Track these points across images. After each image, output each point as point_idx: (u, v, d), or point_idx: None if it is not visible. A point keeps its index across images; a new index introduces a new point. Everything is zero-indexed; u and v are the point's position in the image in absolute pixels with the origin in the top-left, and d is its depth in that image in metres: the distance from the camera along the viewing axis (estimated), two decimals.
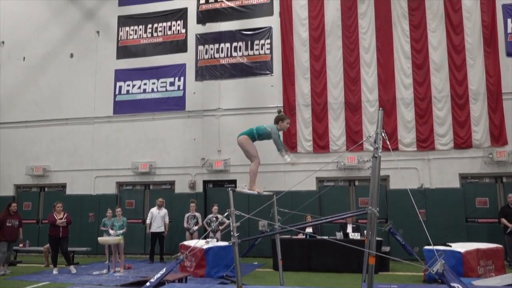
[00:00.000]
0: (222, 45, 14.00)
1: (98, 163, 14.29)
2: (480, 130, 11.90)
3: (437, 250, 3.98)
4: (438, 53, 12.40)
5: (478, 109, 11.97)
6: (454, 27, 12.35)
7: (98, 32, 15.04)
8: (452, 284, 3.74)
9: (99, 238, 10.19)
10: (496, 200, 11.63)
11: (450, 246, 8.67)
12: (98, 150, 14.37)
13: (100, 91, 14.67)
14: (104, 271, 9.84)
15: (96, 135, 14.49)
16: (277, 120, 6.30)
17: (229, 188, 5.19)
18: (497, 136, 11.75)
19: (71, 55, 15.10)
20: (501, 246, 9.21)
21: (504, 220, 10.34)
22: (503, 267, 8.81)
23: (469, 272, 8.01)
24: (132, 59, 14.69)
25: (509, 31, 12.10)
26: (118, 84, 14.66)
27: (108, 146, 14.33)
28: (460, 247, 8.50)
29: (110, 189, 14.14)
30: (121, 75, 14.66)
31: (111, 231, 10.16)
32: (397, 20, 12.74)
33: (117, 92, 14.63)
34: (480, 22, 12.21)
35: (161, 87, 14.35)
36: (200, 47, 14.16)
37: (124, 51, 14.82)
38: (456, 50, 12.29)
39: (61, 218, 10.07)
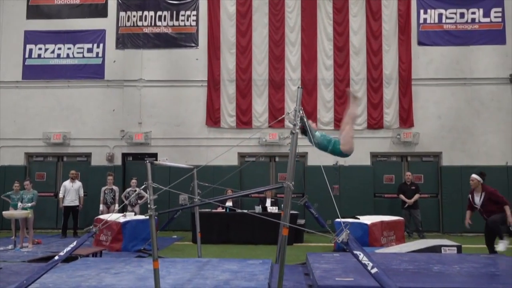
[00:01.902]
0: (145, 12, 13.39)
1: (4, 132, 13.14)
2: (391, 113, 12.78)
3: (344, 222, 4.27)
4: (357, 37, 12.98)
5: (390, 93, 12.82)
6: (373, 13, 12.98)
7: None
8: (355, 252, 4.06)
9: (4, 212, 9.47)
10: (401, 177, 12.66)
11: (359, 218, 9.35)
12: (4, 118, 13.18)
13: (7, 53, 13.37)
14: (10, 246, 9.21)
15: (2, 102, 13.25)
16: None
17: (147, 161, 5.07)
18: (405, 119, 12.72)
19: None
20: (402, 218, 10.13)
21: (402, 196, 11.36)
22: (403, 237, 9.74)
23: (374, 242, 8.74)
24: (45, 20, 13.51)
25: (421, 21, 13.00)
26: (28, 46, 13.45)
27: (16, 114, 13.20)
28: (367, 219, 9.21)
29: (18, 160, 13.13)
30: (32, 37, 13.45)
31: (19, 204, 9.47)
32: (322, 2, 13.07)
33: (27, 56, 13.44)
34: (397, 11, 12.96)
35: (77, 53, 13.43)
36: (122, 13, 13.41)
37: (35, 11, 13.57)
38: (374, 35, 12.95)
39: None
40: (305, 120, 4.82)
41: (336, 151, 5.27)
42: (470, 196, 7.66)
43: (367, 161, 12.78)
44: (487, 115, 12.58)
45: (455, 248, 7.51)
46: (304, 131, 5.09)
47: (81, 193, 11.47)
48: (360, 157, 12.67)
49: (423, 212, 11.46)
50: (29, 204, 9.52)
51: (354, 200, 12.01)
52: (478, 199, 7.40)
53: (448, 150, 12.52)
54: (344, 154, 5.31)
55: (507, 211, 7.16)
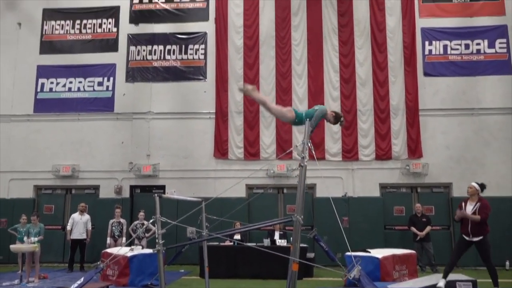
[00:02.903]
0: (155, 47, 13.70)
1: (14, 164, 13.26)
2: (399, 143, 12.73)
3: (355, 256, 4.18)
4: (363, 68, 13.12)
5: (398, 123, 12.82)
6: (379, 45, 13.16)
7: (19, 24, 14.02)
8: None
9: (11, 246, 9.41)
10: (411, 208, 12.44)
11: (369, 252, 9.16)
12: (15, 151, 13.33)
13: (20, 87, 13.67)
14: (16, 281, 9.10)
15: (13, 135, 13.44)
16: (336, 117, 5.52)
17: (156, 194, 5.05)
18: (413, 149, 12.65)
19: None
20: (414, 251, 9.91)
21: (413, 229, 11.13)
22: (415, 271, 9.49)
23: (385, 276, 8.52)
24: (57, 55, 13.87)
25: (426, 52, 13.14)
26: (41, 81, 13.76)
27: (26, 147, 13.35)
28: (378, 253, 9.01)
29: (27, 193, 13.16)
30: (44, 72, 13.78)
31: (25, 239, 9.43)
32: (328, 35, 13.30)
33: (38, 90, 13.72)
34: (402, 43, 13.12)
35: (88, 86, 13.69)
36: (132, 48, 13.74)
37: (48, 47, 13.95)
38: (379, 67, 13.08)
39: None
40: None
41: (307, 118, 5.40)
42: (463, 204, 7.37)
43: (376, 193, 12.64)
44: (496, 145, 12.48)
45: (470, 284, 7.28)
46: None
47: (89, 226, 11.42)
48: (369, 188, 12.59)
49: (435, 245, 11.18)
50: (36, 238, 9.47)
51: (364, 232, 11.81)
52: (471, 208, 7.13)
53: (458, 181, 12.35)
54: (301, 118, 5.46)
55: (474, 217, 6.92)
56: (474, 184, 7.34)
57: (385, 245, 11.27)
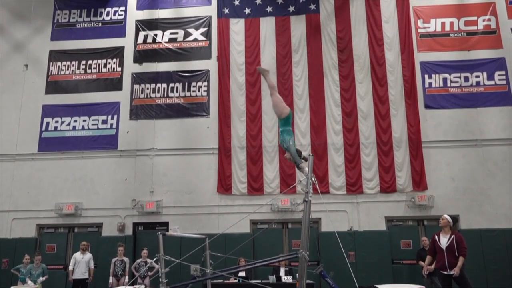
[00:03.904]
0: (158, 85, 13.94)
1: (17, 203, 13.22)
2: (403, 176, 12.67)
3: None
4: (365, 102, 13.24)
5: (401, 156, 12.80)
6: (379, 79, 13.34)
7: (26, 65, 14.36)
8: None
9: (12, 287, 9.25)
10: (419, 241, 12.21)
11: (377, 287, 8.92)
12: (18, 190, 13.33)
13: (25, 126, 13.83)
14: None
15: (17, 173, 13.48)
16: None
17: (159, 232, 5.01)
18: (418, 182, 12.57)
19: None
20: (423, 287, 9.64)
21: (421, 263, 10.85)
22: None
23: None
24: (62, 95, 14.09)
25: (426, 85, 13.29)
26: (45, 120, 13.93)
27: (30, 186, 13.35)
28: None
29: (29, 232, 13.04)
30: (49, 111, 13.98)
31: (29, 282, 9.26)
32: (328, 70, 13.52)
33: (43, 129, 13.86)
34: (402, 76, 13.30)
35: (92, 124, 13.83)
36: (136, 86, 13.98)
37: (54, 87, 14.22)
38: (381, 100, 13.21)
39: None
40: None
41: (283, 125, 5.95)
42: (436, 237, 7.24)
43: (382, 226, 12.46)
44: (502, 176, 12.39)
45: None
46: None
47: (91, 265, 11.24)
48: (375, 222, 12.44)
49: None
50: (43, 278, 9.35)
51: (371, 267, 11.57)
52: (445, 241, 6.99)
53: (465, 213, 12.19)
54: (286, 119, 5.91)
55: (460, 262, 6.80)
56: (446, 216, 7.34)
57: (393, 280, 11.03)
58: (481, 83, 13.13)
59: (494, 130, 12.74)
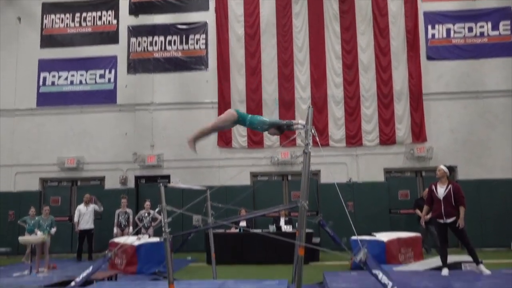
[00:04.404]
0: (155, 38, 13.66)
1: (19, 158, 13.35)
2: (403, 128, 12.71)
3: (361, 240, 4.21)
4: (366, 54, 13.04)
5: (401, 108, 12.77)
6: (381, 30, 13.06)
7: (19, 18, 13.99)
8: (374, 271, 3.98)
9: (20, 238, 9.53)
10: (416, 192, 12.50)
11: (375, 236, 9.20)
12: (19, 145, 13.42)
13: (22, 81, 13.69)
14: (26, 272, 9.20)
15: (17, 129, 13.52)
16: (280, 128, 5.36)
17: (161, 183, 5.09)
18: (417, 134, 12.63)
19: None
20: (419, 234, 9.95)
21: (418, 211, 11.10)
22: (421, 254, 9.54)
23: (391, 259, 8.58)
24: (58, 48, 13.86)
25: (429, 36, 13.02)
26: (42, 74, 13.77)
27: (31, 141, 13.43)
28: (384, 236, 9.06)
29: (33, 185, 13.28)
30: (46, 66, 13.78)
31: (38, 233, 9.52)
32: (329, 22, 13.20)
33: (41, 83, 13.74)
34: (404, 27, 13.01)
35: (90, 79, 13.69)
36: (133, 39, 13.70)
37: (49, 40, 13.94)
38: (382, 52, 13.00)
39: None
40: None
41: (249, 125, 5.29)
42: (433, 187, 7.36)
43: (381, 177, 12.66)
44: (502, 127, 12.43)
45: (475, 264, 7.30)
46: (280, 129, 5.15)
47: (97, 209, 11.55)
48: (373, 173, 12.61)
49: None
50: (53, 229, 9.63)
51: (369, 217, 11.86)
52: (442, 191, 7.12)
53: (463, 164, 12.34)
54: (243, 119, 5.28)
55: (462, 212, 6.94)
56: (442, 166, 7.37)
57: (390, 229, 11.32)
58: (485, 34, 12.87)
59: (496, 81, 12.63)
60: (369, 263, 4.06)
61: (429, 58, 12.94)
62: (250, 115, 5.35)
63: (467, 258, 7.29)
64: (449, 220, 6.94)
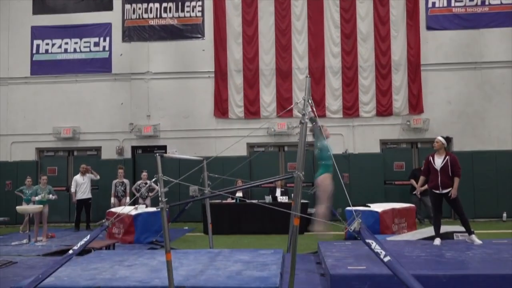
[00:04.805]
0: (151, 4, 13.34)
1: (15, 127, 13.28)
2: (400, 99, 12.65)
3: (355, 211, 4.24)
4: (365, 23, 12.82)
5: (399, 79, 12.68)
6: None
7: None
8: (367, 241, 4.03)
9: (17, 207, 9.59)
10: (411, 164, 12.58)
11: (369, 206, 9.32)
12: (14, 114, 13.31)
13: (15, 49, 13.45)
14: (25, 241, 9.34)
15: (12, 97, 13.38)
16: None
17: (157, 154, 5.07)
18: (414, 105, 12.59)
19: None
20: (413, 205, 10.08)
21: (413, 181, 11.18)
22: (414, 224, 9.70)
23: (385, 229, 8.72)
24: (51, 15, 13.53)
25: (429, 5, 12.78)
26: (36, 42, 13.51)
27: (26, 110, 13.32)
28: (378, 207, 9.17)
29: (29, 155, 13.27)
30: (39, 33, 13.50)
31: (36, 198, 9.55)
32: None
33: (34, 51, 13.50)
34: None
35: (84, 47, 13.45)
36: (127, 6, 13.38)
37: (41, 7, 13.59)
38: (381, 21, 12.78)
39: None
40: (317, 124, 5.08)
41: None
42: (431, 158, 7.40)
43: (376, 149, 12.70)
44: (498, 99, 12.40)
45: (467, 234, 7.44)
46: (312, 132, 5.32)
47: (93, 177, 11.62)
48: (369, 145, 12.65)
49: None
50: (53, 197, 9.68)
51: (364, 188, 11.97)
52: (440, 162, 7.16)
53: (459, 136, 12.36)
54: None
55: (456, 183, 7.00)
56: (440, 138, 7.36)
57: (385, 199, 11.45)
58: (486, 2, 12.63)
59: (495, 52, 12.50)
60: (363, 232, 4.11)
61: (428, 28, 12.75)
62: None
63: (460, 228, 7.41)
64: (445, 191, 6.99)
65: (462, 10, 12.71)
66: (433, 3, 12.77)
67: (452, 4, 12.73)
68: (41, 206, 9.42)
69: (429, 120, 12.41)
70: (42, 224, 9.61)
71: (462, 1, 12.71)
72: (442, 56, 12.65)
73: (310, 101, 4.79)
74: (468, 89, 12.51)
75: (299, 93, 12.55)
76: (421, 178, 7.52)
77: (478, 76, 12.51)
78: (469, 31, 12.61)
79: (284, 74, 12.88)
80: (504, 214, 11.65)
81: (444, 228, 7.40)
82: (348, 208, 8.13)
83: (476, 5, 12.66)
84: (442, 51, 12.66)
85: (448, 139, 7.48)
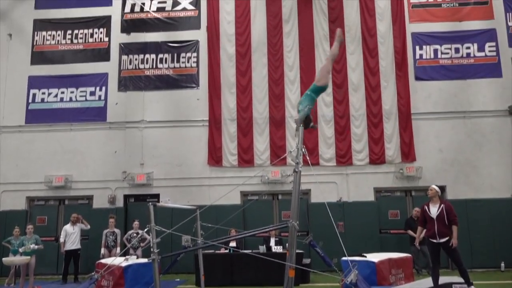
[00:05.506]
0: (147, 56, 13.69)
1: (6, 176, 13.11)
2: (392, 147, 12.79)
3: (352, 261, 4.16)
4: (355, 74, 13.19)
5: (391, 128, 12.88)
6: (370, 50, 13.25)
7: (10, 35, 13.95)
8: None
9: (4, 259, 9.29)
10: (406, 212, 12.50)
11: (365, 256, 9.14)
12: (6, 163, 13.20)
13: (11, 98, 13.56)
14: None
15: (5, 146, 13.33)
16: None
17: (150, 203, 5.02)
18: (406, 153, 12.71)
19: None
20: (410, 255, 9.92)
21: (410, 232, 11.11)
22: (411, 275, 9.49)
23: (382, 280, 8.51)
24: (48, 65, 13.79)
25: (417, 57, 13.25)
26: (32, 91, 13.67)
27: (19, 158, 13.23)
28: (374, 257, 9.00)
29: (19, 204, 13.02)
30: (36, 82, 13.69)
31: (20, 250, 9.28)
32: (319, 41, 13.37)
33: (30, 100, 13.63)
34: (393, 47, 13.22)
35: (80, 96, 13.62)
36: (124, 57, 13.71)
37: (39, 57, 13.89)
38: (371, 72, 13.17)
39: None
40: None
41: (312, 90, 5.76)
42: (426, 207, 7.35)
43: (371, 197, 12.66)
44: (489, 147, 12.57)
45: (466, 286, 7.28)
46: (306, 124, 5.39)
47: (84, 227, 11.34)
48: (363, 193, 12.62)
49: None
50: (36, 247, 9.38)
51: (359, 237, 11.79)
52: (435, 210, 7.11)
53: (452, 184, 12.41)
54: (320, 88, 5.80)
55: (455, 231, 6.94)
56: (434, 186, 7.43)
57: (381, 249, 11.26)
58: (472, 55, 13.12)
59: (483, 101, 12.83)
60: (360, 284, 4.01)
61: (417, 78, 13.14)
62: (315, 96, 5.88)
63: (458, 279, 7.26)
64: (443, 240, 6.91)
65: (449, 62, 13.17)
66: (421, 55, 13.25)
67: (439, 56, 13.21)
68: (29, 257, 9.13)
69: (422, 168, 12.48)
70: (28, 276, 9.27)
71: (448, 53, 13.20)
72: (431, 105, 12.95)
73: (303, 150, 4.84)
74: (458, 138, 12.70)
75: (293, 141, 12.65)
76: (419, 229, 7.47)
77: (468, 125, 12.75)
78: (456, 82, 13.00)
79: (277, 123, 13.05)
80: (502, 264, 11.45)
81: (442, 279, 7.26)
82: (344, 258, 8.00)
83: (462, 57, 13.14)
84: (432, 100, 12.98)
85: (441, 189, 7.52)
